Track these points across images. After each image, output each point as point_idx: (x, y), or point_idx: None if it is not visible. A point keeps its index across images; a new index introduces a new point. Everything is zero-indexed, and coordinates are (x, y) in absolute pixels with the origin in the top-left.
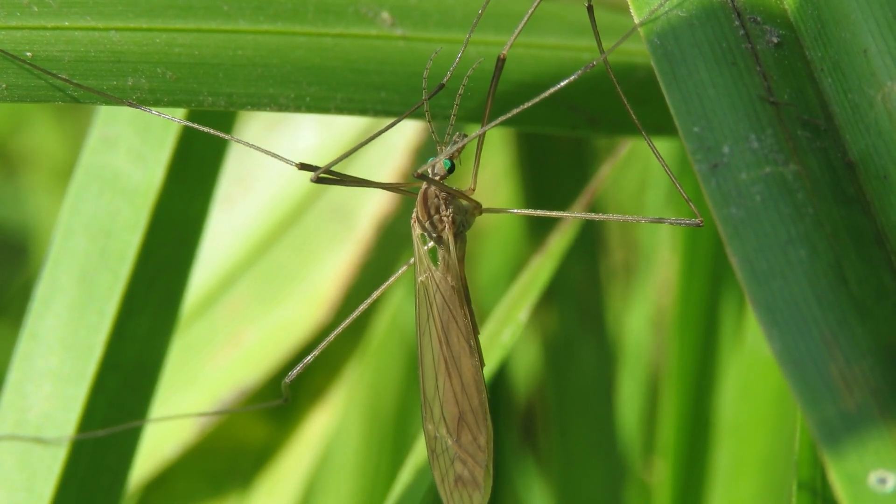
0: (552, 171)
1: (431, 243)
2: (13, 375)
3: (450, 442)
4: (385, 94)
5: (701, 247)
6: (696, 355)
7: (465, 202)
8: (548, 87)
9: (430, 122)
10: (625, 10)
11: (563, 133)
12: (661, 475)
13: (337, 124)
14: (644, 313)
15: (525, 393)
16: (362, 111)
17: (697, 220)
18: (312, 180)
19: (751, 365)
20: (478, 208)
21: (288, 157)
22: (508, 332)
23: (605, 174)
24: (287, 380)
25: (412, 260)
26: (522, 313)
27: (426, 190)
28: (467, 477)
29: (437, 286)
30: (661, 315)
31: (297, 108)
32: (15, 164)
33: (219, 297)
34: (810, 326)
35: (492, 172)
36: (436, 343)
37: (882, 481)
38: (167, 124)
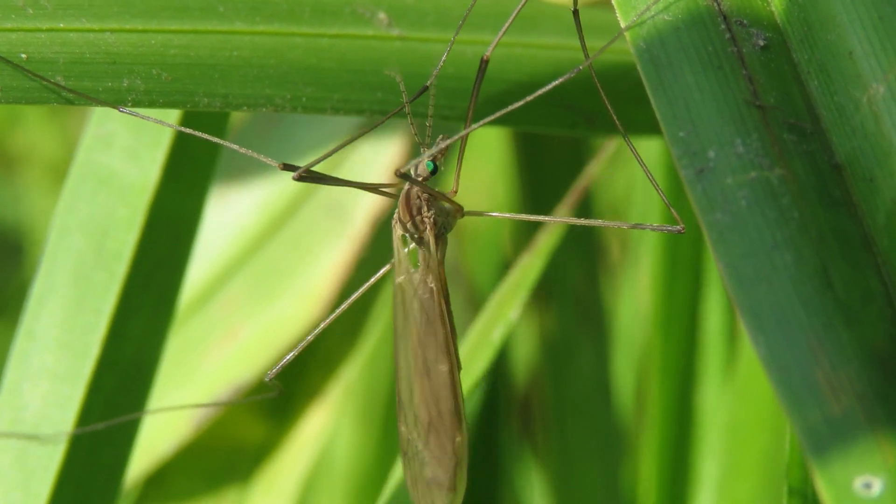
0: (549, 170)
1: (412, 245)
2: (10, 374)
3: (420, 446)
4: (381, 95)
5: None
6: (692, 354)
7: (447, 204)
8: (542, 87)
9: (411, 123)
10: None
11: (560, 132)
12: (656, 474)
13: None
14: (642, 311)
15: (523, 389)
16: (359, 112)
17: (679, 227)
18: (294, 178)
19: (747, 364)
20: (459, 211)
21: (283, 157)
22: (499, 330)
23: (593, 172)
24: (267, 378)
25: (393, 260)
26: (513, 312)
27: (409, 191)
28: (438, 480)
29: (416, 288)
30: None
31: (294, 109)
32: (10, 162)
33: (214, 293)
34: (796, 332)
35: (489, 172)
36: (413, 345)
37: (867, 486)
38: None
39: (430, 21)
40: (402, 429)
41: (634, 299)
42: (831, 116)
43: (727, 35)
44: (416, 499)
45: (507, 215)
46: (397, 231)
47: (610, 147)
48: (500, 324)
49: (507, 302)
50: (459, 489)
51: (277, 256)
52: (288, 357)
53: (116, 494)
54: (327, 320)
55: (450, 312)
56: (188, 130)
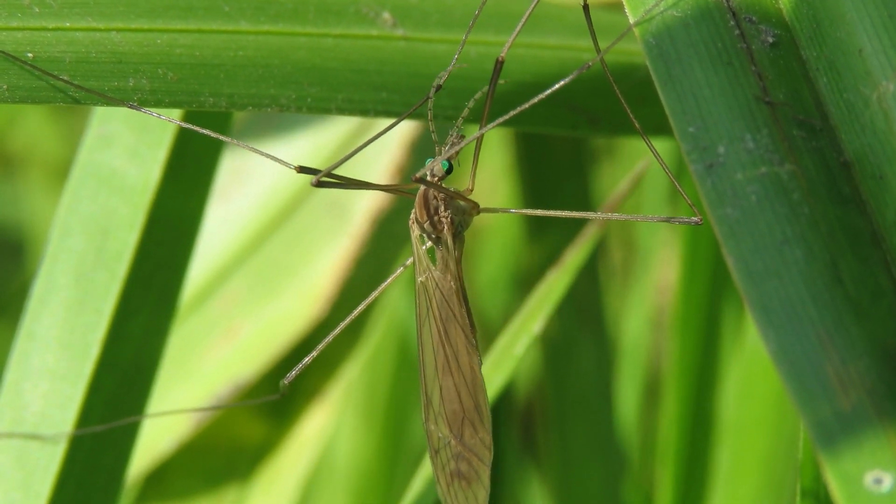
0: (551, 171)
1: (429, 243)
2: (10, 374)
3: (453, 441)
4: (386, 95)
5: (701, 246)
6: (697, 354)
7: (462, 203)
8: (548, 88)
9: (431, 121)
10: (623, 10)
11: (563, 133)
12: (661, 475)
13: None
14: (643, 313)
15: (524, 393)
16: (363, 112)
17: (696, 219)
18: (313, 184)
19: (751, 364)
20: (475, 208)
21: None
22: (522, 343)
23: (624, 191)
24: (286, 380)
25: (408, 261)
26: (537, 325)
27: (425, 191)
28: (471, 475)
29: (437, 285)
30: (661, 315)
31: (298, 109)
32: (11, 162)
33: (214, 291)
34: (806, 327)
35: (491, 172)
36: (436, 341)
37: (878, 481)
38: (164, 122)
39: (434, 21)
40: (431, 427)
41: (642, 304)
42: (840, 114)
43: (736, 31)
44: (452, 495)
45: (523, 211)
46: (415, 231)
47: (640, 166)
48: (523, 337)
49: (532, 315)
50: (487, 483)
51: (278, 254)
52: (305, 360)
53: (117, 495)
54: (344, 322)
55: (468, 307)
56: (204, 131)
